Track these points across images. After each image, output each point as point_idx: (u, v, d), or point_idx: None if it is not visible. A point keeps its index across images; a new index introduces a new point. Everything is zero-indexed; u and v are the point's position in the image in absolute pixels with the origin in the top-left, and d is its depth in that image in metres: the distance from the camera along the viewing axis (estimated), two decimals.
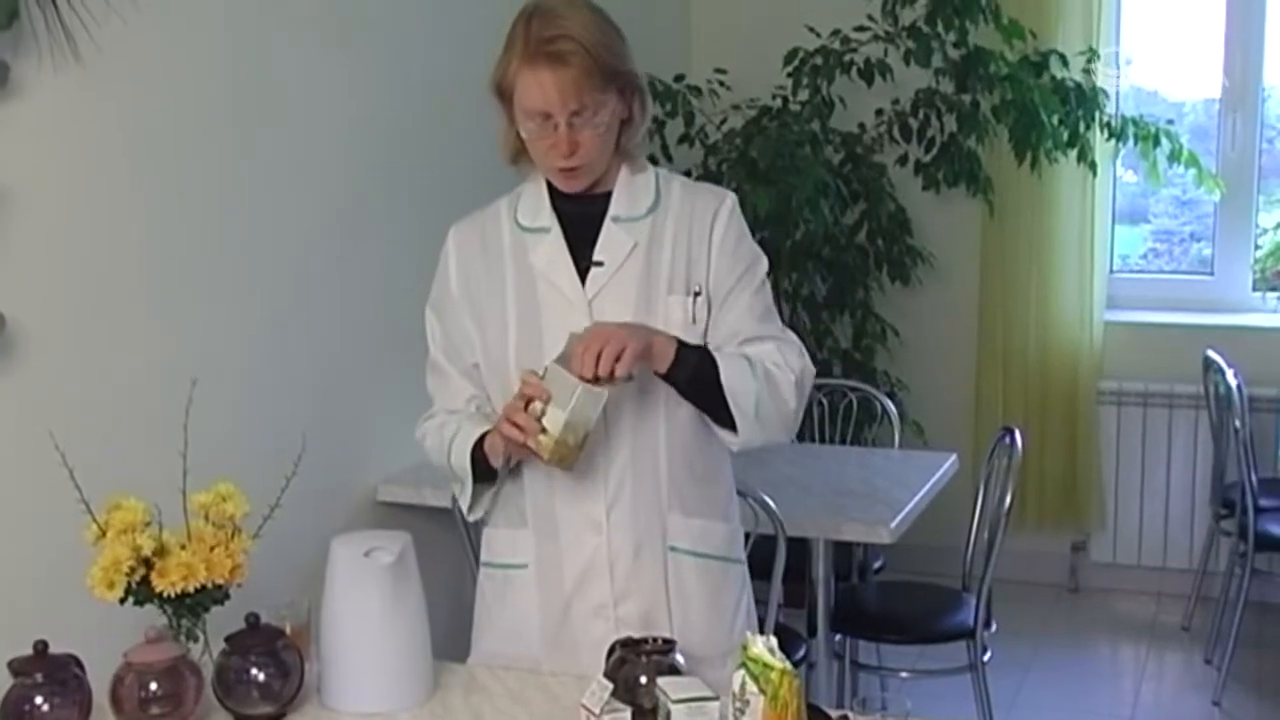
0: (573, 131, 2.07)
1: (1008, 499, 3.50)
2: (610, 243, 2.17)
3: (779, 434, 2.21)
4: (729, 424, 2.15)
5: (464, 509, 2.26)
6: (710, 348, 2.17)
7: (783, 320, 2.32)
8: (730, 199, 2.25)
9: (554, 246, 2.18)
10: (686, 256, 2.18)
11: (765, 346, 2.19)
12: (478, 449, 2.17)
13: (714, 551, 2.26)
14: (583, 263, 2.17)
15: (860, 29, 4.80)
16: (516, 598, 2.26)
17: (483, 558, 2.33)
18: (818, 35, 4.84)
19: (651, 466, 2.18)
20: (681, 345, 2.10)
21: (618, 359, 1.98)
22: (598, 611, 2.20)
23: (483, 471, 2.19)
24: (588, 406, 2.01)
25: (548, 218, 2.20)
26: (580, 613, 2.21)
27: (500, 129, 2.17)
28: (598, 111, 2.07)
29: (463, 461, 2.18)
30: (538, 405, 2.02)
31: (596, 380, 1.99)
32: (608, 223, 2.18)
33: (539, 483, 2.19)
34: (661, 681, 1.87)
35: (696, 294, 2.18)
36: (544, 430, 2.01)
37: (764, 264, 2.27)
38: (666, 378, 2.11)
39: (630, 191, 2.20)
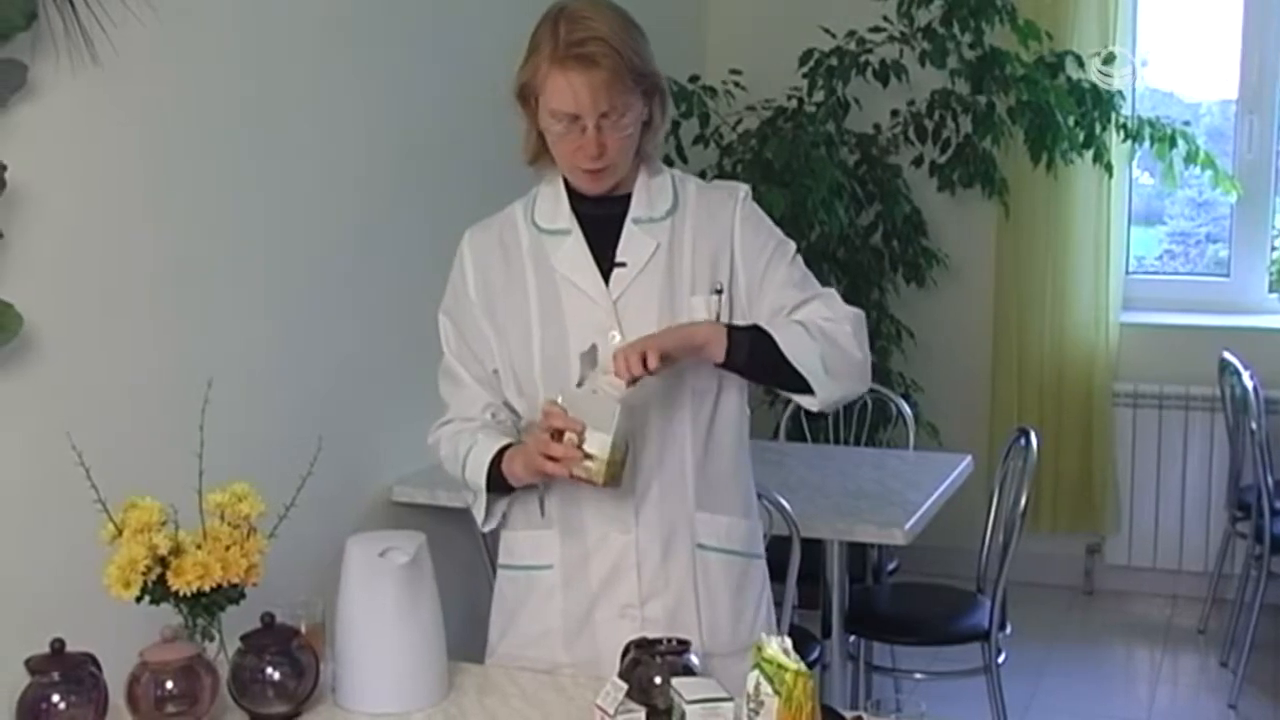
0: (601, 133, 2.07)
1: (1023, 501, 3.50)
2: (632, 244, 2.18)
3: (855, 384, 2.20)
4: (802, 388, 2.15)
5: (478, 521, 2.26)
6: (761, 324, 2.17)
7: None
8: (743, 190, 2.26)
9: (576, 248, 2.18)
10: (708, 256, 2.19)
11: (812, 306, 2.19)
12: (495, 465, 2.16)
13: (738, 547, 2.28)
14: (604, 264, 2.17)
15: (875, 30, 4.80)
16: (540, 600, 2.25)
17: (502, 560, 2.33)
18: (833, 36, 4.84)
19: (678, 464, 2.19)
20: (731, 329, 2.11)
21: (645, 355, 2.00)
22: (623, 612, 2.20)
23: (497, 484, 2.19)
24: (626, 422, 2.02)
25: (567, 219, 2.20)
26: (605, 614, 2.21)
27: (521, 130, 2.17)
28: (625, 113, 2.08)
29: (478, 479, 2.18)
30: (573, 436, 2.01)
31: (634, 381, 2.01)
32: (629, 224, 2.18)
33: (564, 484, 2.18)
34: (676, 682, 1.87)
35: (718, 292, 2.18)
36: (588, 456, 2.01)
37: (790, 242, 2.27)
38: (727, 365, 2.11)
39: (649, 194, 2.21)
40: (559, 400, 2.06)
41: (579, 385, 2.04)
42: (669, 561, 2.20)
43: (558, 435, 2.03)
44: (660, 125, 2.18)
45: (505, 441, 2.18)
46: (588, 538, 2.20)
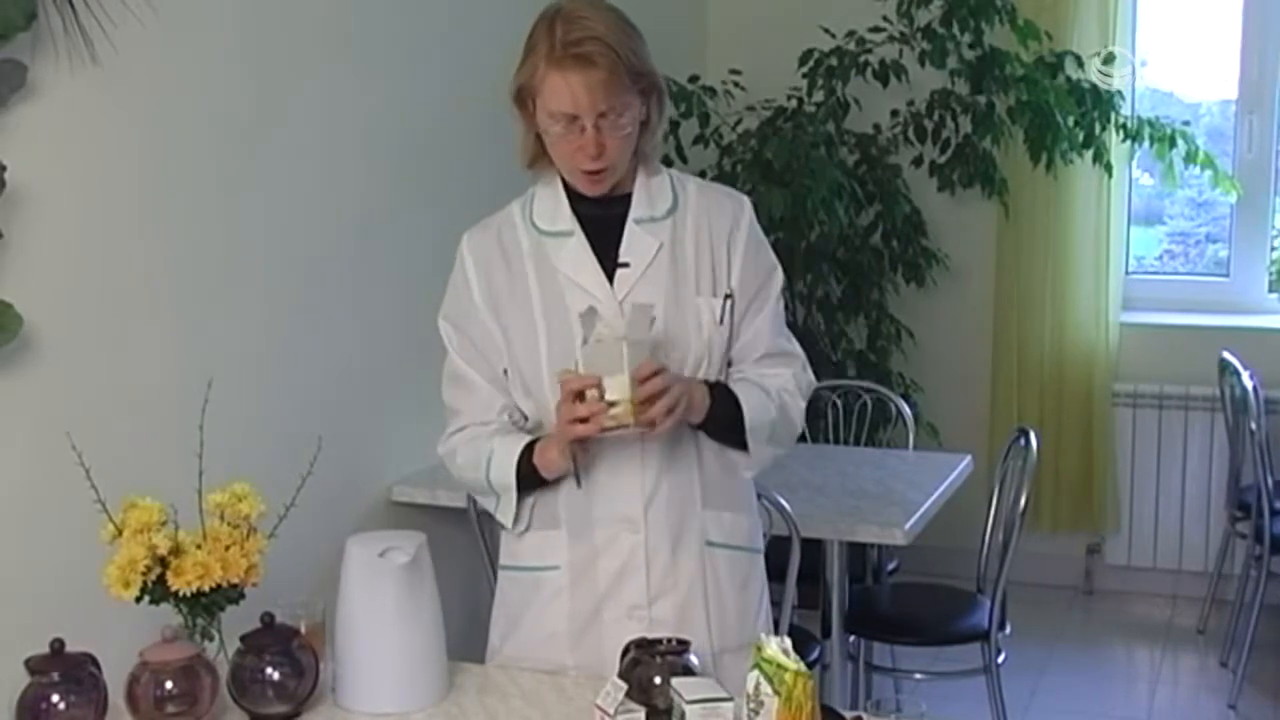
0: (599, 133, 2.07)
1: (1023, 501, 3.50)
2: (635, 244, 2.18)
3: (782, 453, 2.31)
4: (740, 447, 2.22)
5: (506, 524, 2.25)
6: (732, 361, 2.23)
7: (795, 324, 2.36)
8: (748, 205, 2.28)
9: (578, 249, 2.18)
10: (710, 259, 2.20)
11: (781, 373, 2.26)
12: (524, 462, 2.16)
13: (743, 543, 2.29)
14: (607, 265, 2.17)
15: (875, 30, 4.80)
16: (546, 601, 2.25)
17: (505, 561, 2.32)
18: (833, 36, 4.84)
19: (686, 463, 2.20)
20: (713, 399, 2.16)
21: (670, 411, 2.04)
22: (630, 613, 2.20)
23: (528, 483, 2.18)
24: (639, 357, 2.02)
25: (568, 220, 2.20)
26: (613, 614, 2.21)
27: (519, 134, 2.17)
28: (623, 112, 2.08)
29: (506, 478, 2.18)
30: (593, 391, 2.02)
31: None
32: (630, 224, 2.19)
33: (572, 484, 2.19)
34: (676, 682, 1.87)
35: (728, 296, 2.19)
36: (612, 404, 2.01)
37: (780, 272, 2.31)
38: (699, 425, 2.17)
39: (649, 193, 2.21)
40: (574, 364, 2.07)
41: (584, 344, 2.04)
42: (678, 560, 2.21)
43: (579, 397, 2.03)
44: (657, 124, 2.18)
45: (529, 439, 2.18)
46: (596, 538, 2.20)
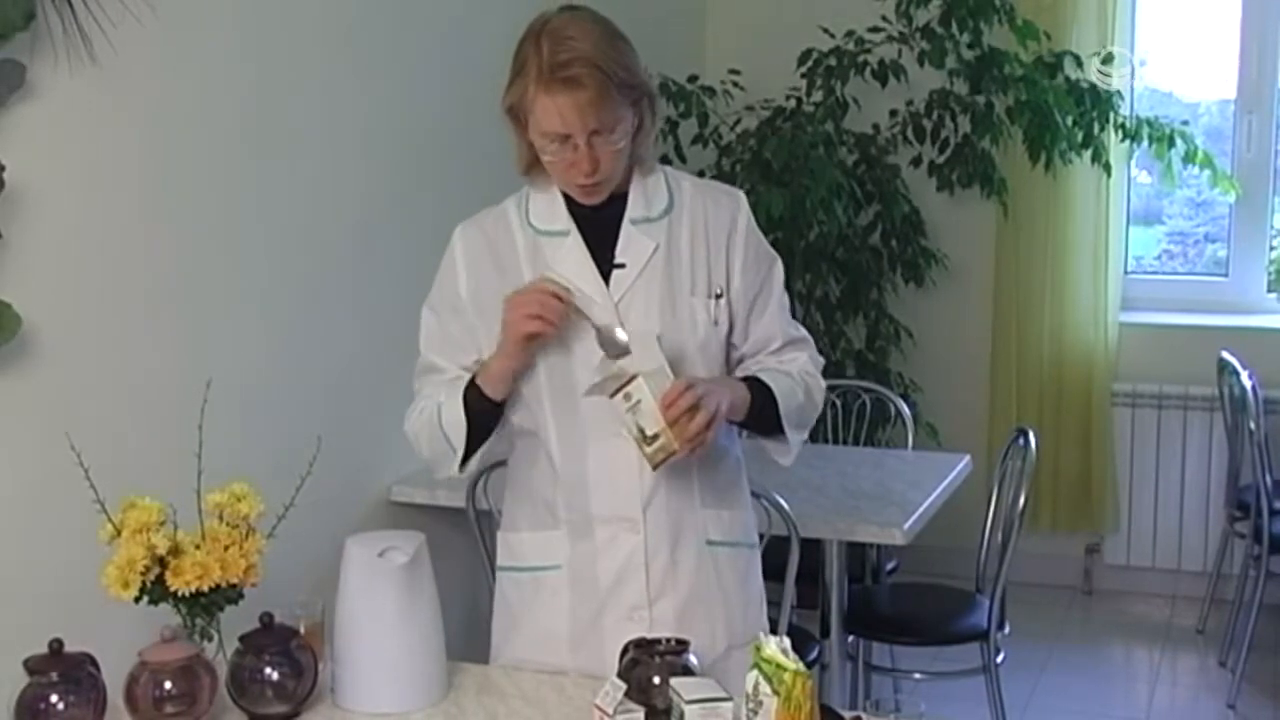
0: (593, 150, 2.07)
1: (1022, 500, 3.50)
2: (631, 245, 2.18)
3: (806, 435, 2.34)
4: (777, 436, 2.26)
5: (454, 467, 2.21)
6: (747, 357, 2.26)
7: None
8: (744, 201, 2.28)
9: (575, 249, 2.18)
10: (706, 259, 2.20)
11: (799, 357, 2.29)
12: (471, 392, 2.14)
13: (741, 539, 2.31)
14: (603, 265, 2.17)
15: (874, 30, 4.80)
16: (546, 601, 2.25)
17: (504, 562, 2.32)
18: (832, 36, 4.84)
19: (684, 462, 2.19)
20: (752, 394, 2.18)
21: (709, 423, 2.05)
22: (631, 614, 2.20)
23: (476, 421, 2.16)
24: (660, 385, 2.03)
25: (565, 220, 2.19)
26: (613, 617, 2.20)
27: (513, 143, 2.17)
28: (615, 128, 2.08)
29: (455, 412, 2.14)
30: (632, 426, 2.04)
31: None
32: (626, 225, 2.19)
33: (572, 482, 2.19)
34: (675, 682, 1.87)
35: (718, 296, 2.20)
36: (654, 438, 2.03)
37: (779, 264, 2.32)
38: (741, 422, 2.21)
39: (645, 193, 2.21)
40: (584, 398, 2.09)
41: (612, 396, 2.04)
42: (677, 560, 2.21)
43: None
44: (651, 128, 2.18)
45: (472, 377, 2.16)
46: (596, 538, 2.20)
